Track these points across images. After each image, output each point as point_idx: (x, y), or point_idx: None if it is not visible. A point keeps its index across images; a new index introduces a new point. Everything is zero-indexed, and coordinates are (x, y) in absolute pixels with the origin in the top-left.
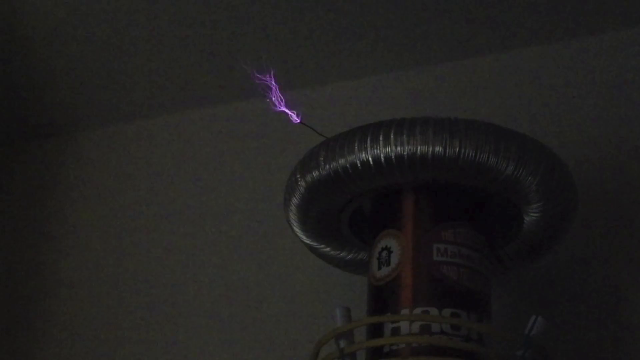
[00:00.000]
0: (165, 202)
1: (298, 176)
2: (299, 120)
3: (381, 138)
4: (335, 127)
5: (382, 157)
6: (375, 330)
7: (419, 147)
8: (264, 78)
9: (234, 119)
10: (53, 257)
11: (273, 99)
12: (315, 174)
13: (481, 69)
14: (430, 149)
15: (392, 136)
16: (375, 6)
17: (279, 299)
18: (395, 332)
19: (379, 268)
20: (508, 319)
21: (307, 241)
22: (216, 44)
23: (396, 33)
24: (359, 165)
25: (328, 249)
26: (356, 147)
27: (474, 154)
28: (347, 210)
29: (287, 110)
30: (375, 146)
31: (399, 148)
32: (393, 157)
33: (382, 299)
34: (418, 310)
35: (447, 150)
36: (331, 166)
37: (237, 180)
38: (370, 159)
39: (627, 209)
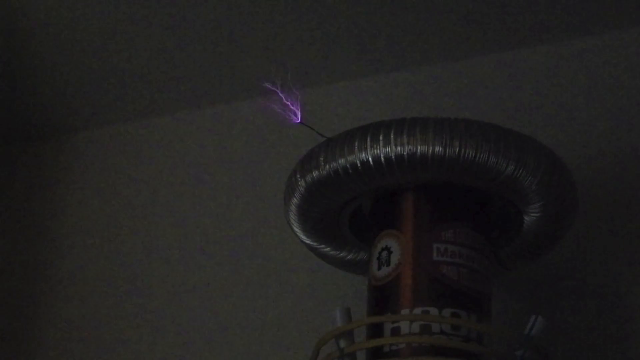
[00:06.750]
0: (165, 202)
1: (298, 176)
2: (299, 120)
3: (381, 138)
4: (335, 127)
5: (382, 157)
6: (375, 330)
7: (419, 147)
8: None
9: (234, 119)
10: (53, 257)
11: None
12: (315, 174)
13: (481, 69)
14: (430, 149)
15: (392, 136)
16: (375, 6)
17: (278, 299)
18: (395, 332)
19: (379, 268)
20: (508, 319)
21: (307, 241)
22: (216, 43)
23: (396, 33)
24: (359, 165)
25: (328, 249)
26: (356, 147)
27: (474, 154)
28: (347, 210)
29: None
30: (375, 146)
31: (399, 148)
32: (393, 157)
33: (382, 299)
34: (418, 310)
35: (447, 150)
36: (331, 166)
37: (236, 180)
38: (370, 159)
39: (627, 209)
